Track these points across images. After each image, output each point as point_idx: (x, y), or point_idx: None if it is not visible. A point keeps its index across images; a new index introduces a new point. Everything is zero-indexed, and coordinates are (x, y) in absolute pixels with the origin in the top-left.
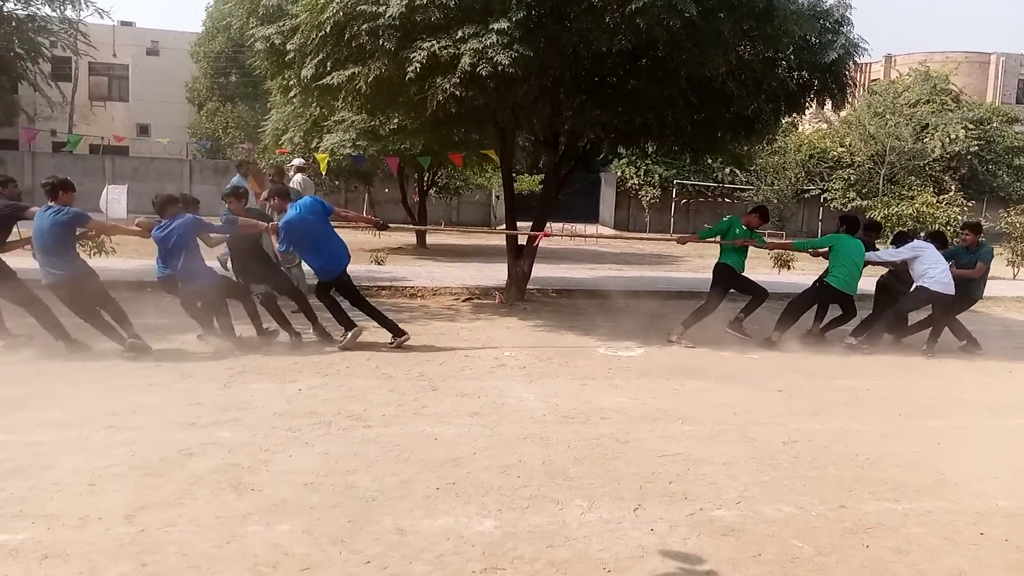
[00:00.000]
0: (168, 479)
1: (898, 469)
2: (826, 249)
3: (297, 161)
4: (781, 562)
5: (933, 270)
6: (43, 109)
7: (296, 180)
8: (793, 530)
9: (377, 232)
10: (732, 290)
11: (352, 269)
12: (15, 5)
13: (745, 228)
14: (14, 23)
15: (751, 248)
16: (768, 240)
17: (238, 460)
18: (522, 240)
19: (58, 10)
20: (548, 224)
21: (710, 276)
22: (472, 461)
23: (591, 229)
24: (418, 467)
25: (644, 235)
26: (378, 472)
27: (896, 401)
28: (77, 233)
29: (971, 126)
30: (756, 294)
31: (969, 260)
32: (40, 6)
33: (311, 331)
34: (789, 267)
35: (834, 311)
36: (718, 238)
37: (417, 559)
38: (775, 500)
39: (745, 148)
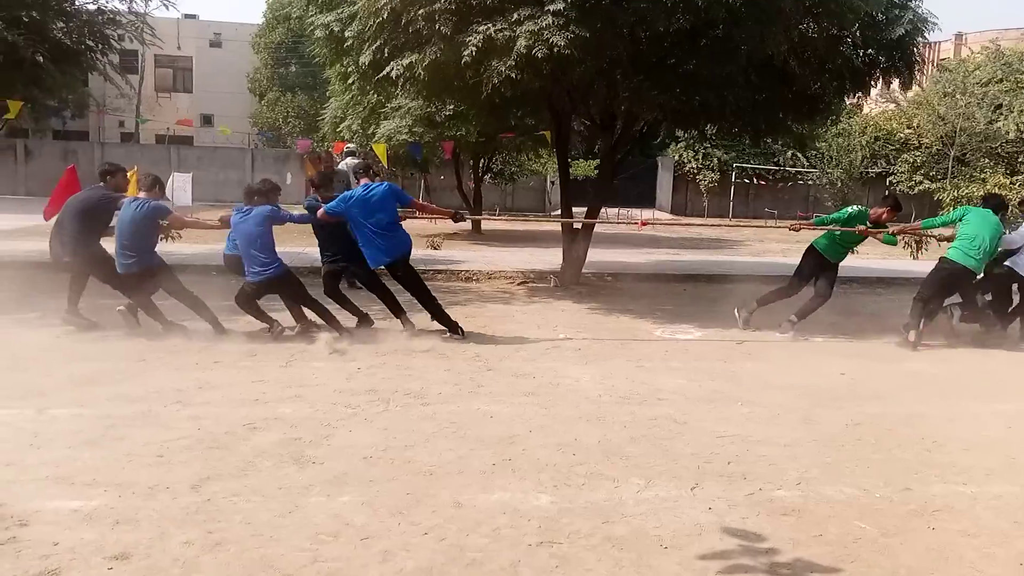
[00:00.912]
0: (233, 452)
1: (965, 452)
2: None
3: (349, 146)
4: (843, 543)
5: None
6: (112, 101)
7: (344, 164)
8: (856, 511)
9: (453, 222)
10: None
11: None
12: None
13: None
14: (85, 16)
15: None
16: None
17: (300, 435)
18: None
19: (126, 3)
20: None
21: (769, 261)
22: (528, 439)
23: (647, 214)
24: (474, 443)
25: (702, 220)
26: (435, 448)
27: (963, 385)
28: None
29: None
30: (819, 293)
31: None
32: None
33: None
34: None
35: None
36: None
37: (474, 531)
38: (837, 482)
39: (807, 129)
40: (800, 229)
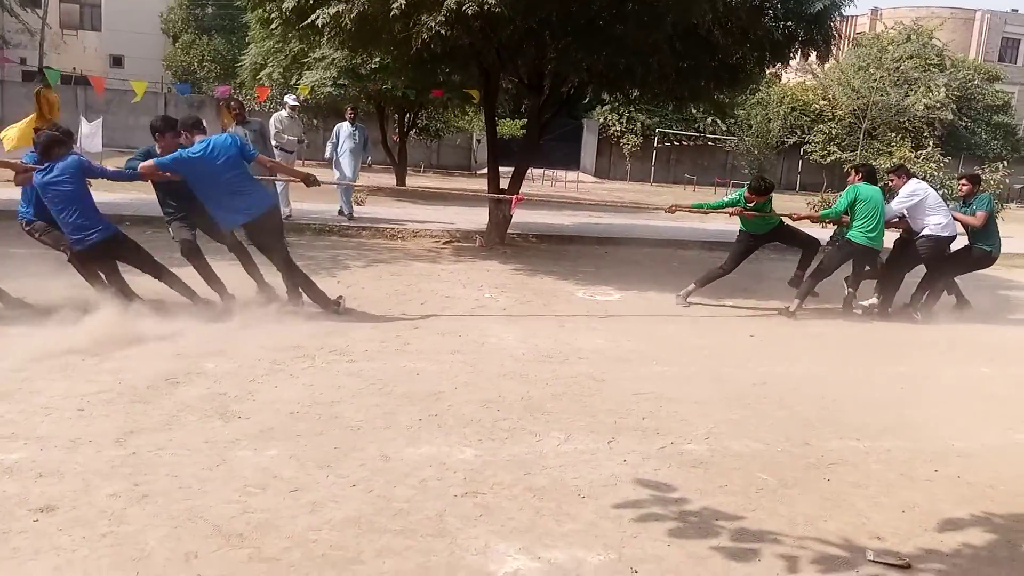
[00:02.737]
0: (156, 406)
1: (861, 410)
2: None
3: (289, 98)
4: (746, 492)
5: (938, 214)
6: (12, 37)
7: (275, 117)
8: (759, 464)
9: (306, 186)
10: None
11: (331, 208)
12: None
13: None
14: None
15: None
16: (793, 213)
17: (224, 390)
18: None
19: None
20: (530, 170)
21: (687, 226)
22: (453, 395)
23: (572, 176)
24: (401, 400)
25: (625, 183)
26: (362, 404)
27: (863, 348)
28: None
29: (952, 84)
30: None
31: (967, 211)
32: None
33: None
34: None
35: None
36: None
37: (401, 483)
38: (743, 436)
39: (728, 97)
40: (675, 211)
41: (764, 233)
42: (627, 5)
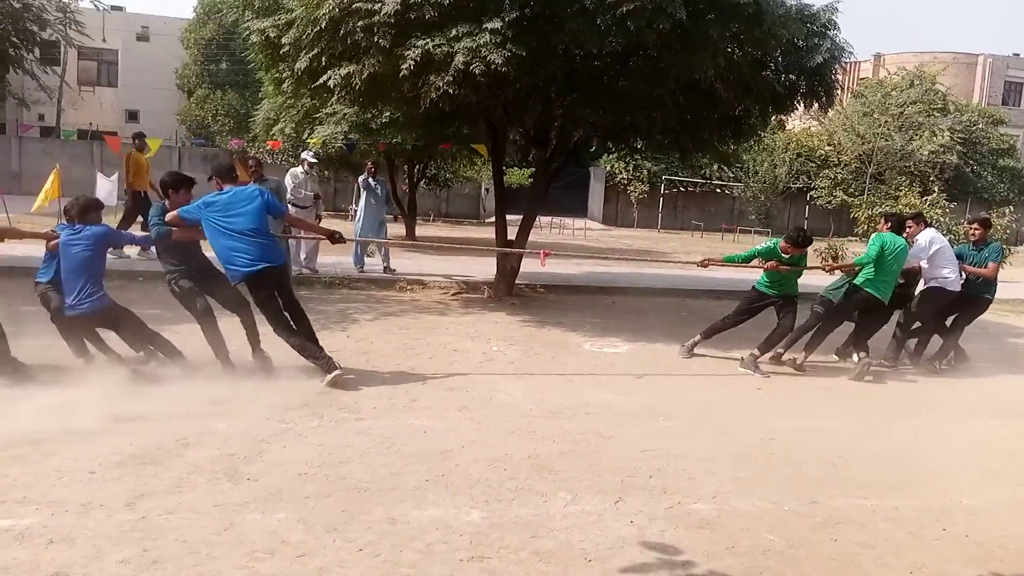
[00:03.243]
0: (166, 468)
1: (869, 467)
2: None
3: (306, 154)
4: (753, 554)
5: (948, 270)
6: (31, 93)
7: (290, 173)
8: (766, 524)
9: (331, 243)
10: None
11: (343, 260)
12: None
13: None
14: (10, 13)
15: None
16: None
17: (234, 450)
18: (509, 245)
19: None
20: (538, 218)
21: (694, 274)
22: (461, 454)
23: (580, 223)
24: (408, 459)
25: (632, 230)
26: (370, 464)
27: (870, 401)
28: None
29: (956, 128)
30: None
31: (980, 259)
32: None
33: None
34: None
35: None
36: (757, 260)
37: (407, 547)
38: (750, 495)
39: (732, 148)
40: (708, 266)
41: (776, 295)
42: (630, 61)
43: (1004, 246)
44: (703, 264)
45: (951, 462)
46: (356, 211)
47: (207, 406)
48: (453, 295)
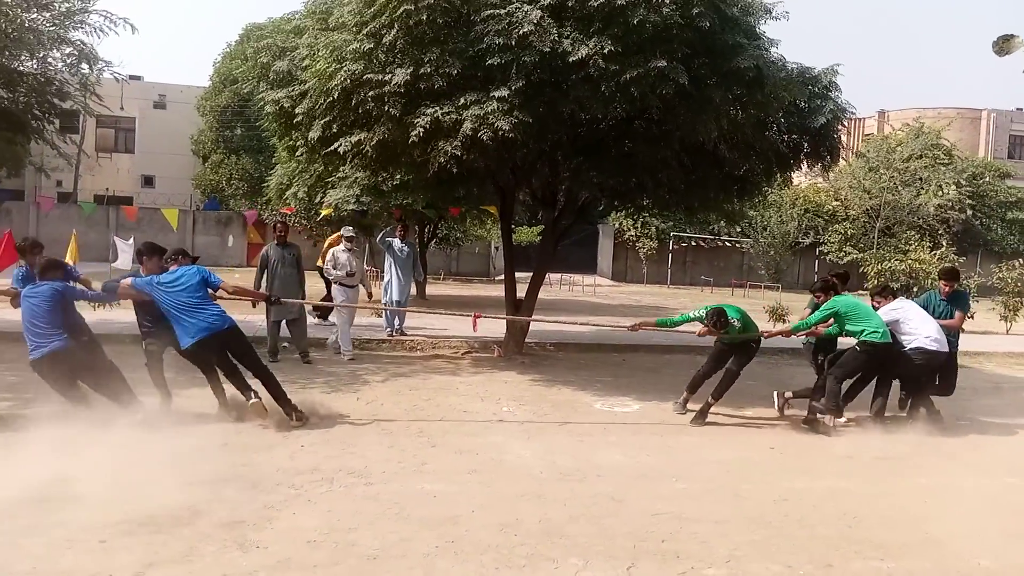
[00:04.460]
0: (175, 536)
1: (884, 528)
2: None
3: (346, 231)
4: None
5: (925, 328)
6: (50, 160)
7: (330, 256)
8: None
9: (268, 305)
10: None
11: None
12: (34, 67)
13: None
14: (32, 84)
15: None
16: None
17: (243, 517)
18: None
19: (76, 72)
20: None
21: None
22: (471, 519)
23: (589, 280)
24: (418, 525)
25: (642, 286)
26: (379, 530)
27: (886, 459)
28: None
29: (963, 182)
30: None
31: (946, 310)
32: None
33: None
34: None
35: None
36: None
37: None
38: (764, 559)
39: (737, 205)
40: (638, 329)
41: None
42: (635, 125)
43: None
44: (634, 328)
45: (968, 523)
46: (383, 272)
47: (219, 469)
48: (463, 354)
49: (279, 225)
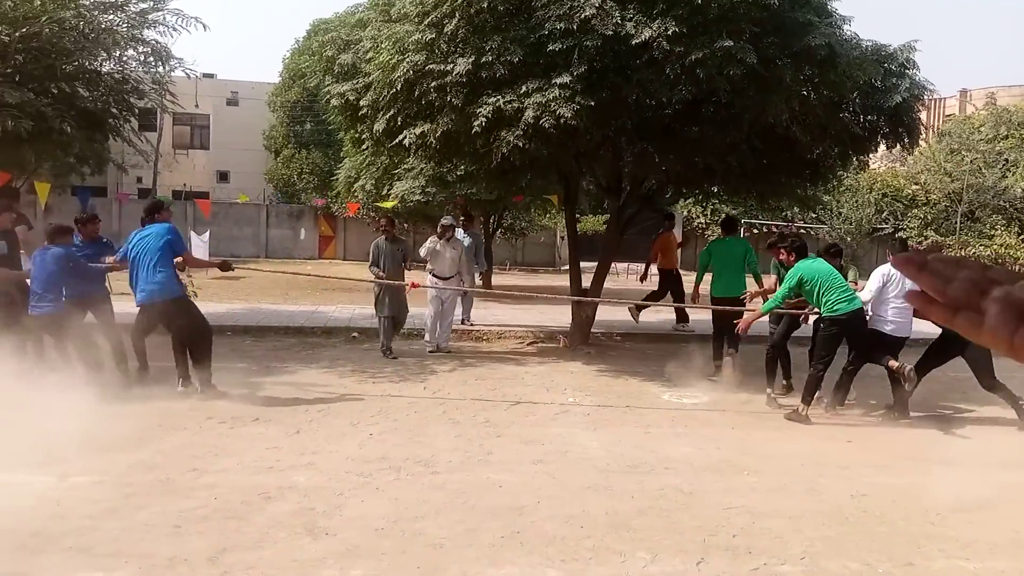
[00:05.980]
0: (248, 522)
1: (970, 525)
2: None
3: (445, 220)
4: None
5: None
6: (129, 158)
7: (426, 245)
8: None
9: (221, 271)
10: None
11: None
12: (111, 67)
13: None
14: (111, 84)
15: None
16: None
17: (313, 504)
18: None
19: (151, 71)
20: (614, 265)
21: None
22: (536, 510)
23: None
24: (484, 515)
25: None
26: (445, 519)
27: (970, 453)
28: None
29: None
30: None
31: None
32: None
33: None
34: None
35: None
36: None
37: None
38: (841, 556)
39: (811, 191)
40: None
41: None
42: (702, 108)
43: None
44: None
45: None
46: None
47: (290, 458)
48: (529, 344)
49: (385, 220)
